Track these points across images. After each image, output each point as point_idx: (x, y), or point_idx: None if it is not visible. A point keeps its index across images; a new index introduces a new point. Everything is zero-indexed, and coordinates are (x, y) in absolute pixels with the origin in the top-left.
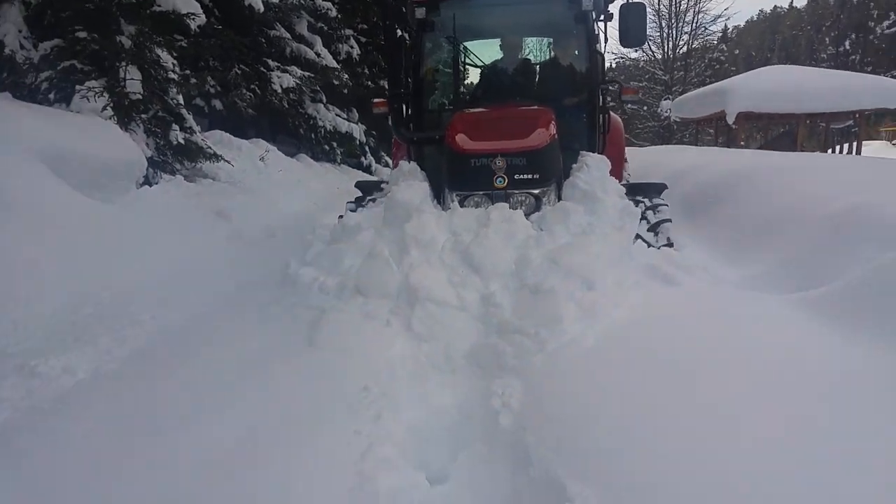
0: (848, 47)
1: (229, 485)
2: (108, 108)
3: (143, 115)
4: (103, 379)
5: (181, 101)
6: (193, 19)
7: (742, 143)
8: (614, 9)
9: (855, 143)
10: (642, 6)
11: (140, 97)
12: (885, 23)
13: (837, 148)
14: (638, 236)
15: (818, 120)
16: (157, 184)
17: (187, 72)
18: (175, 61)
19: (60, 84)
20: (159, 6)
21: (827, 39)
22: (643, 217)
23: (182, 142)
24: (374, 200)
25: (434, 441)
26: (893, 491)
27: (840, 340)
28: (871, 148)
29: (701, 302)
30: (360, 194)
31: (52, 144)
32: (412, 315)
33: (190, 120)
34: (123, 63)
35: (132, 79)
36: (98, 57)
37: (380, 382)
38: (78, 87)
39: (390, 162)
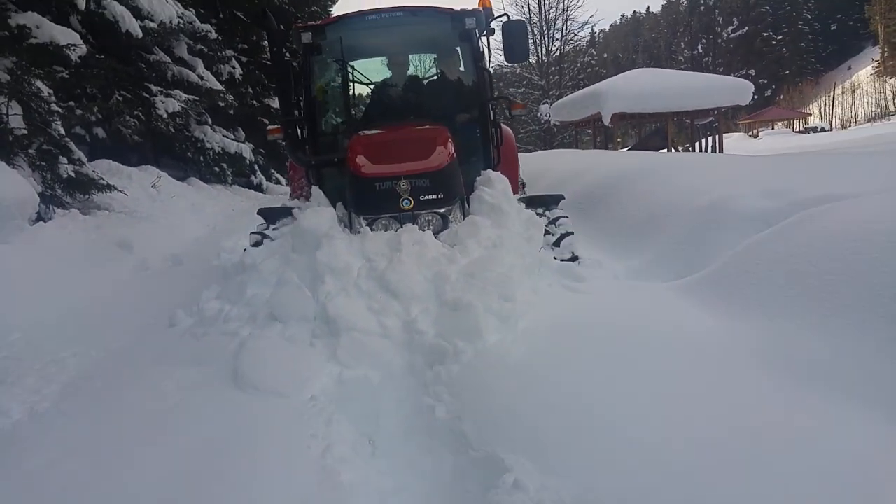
0: (700, 50)
1: (200, 489)
2: None
3: (29, 150)
4: (41, 418)
5: (63, 133)
6: (73, 50)
7: (619, 139)
8: (496, 25)
9: (717, 137)
10: (523, 24)
11: (24, 132)
12: (730, 27)
13: (703, 141)
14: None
15: (684, 117)
16: (51, 219)
17: (71, 103)
18: (52, 92)
19: None
20: (36, 38)
21: (682, 43)
22: (546, 231)
23: (72, 174)
24: (276, 229)
25: (382, 436)
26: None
27: (707, 316)
28: (732, 139)
29: (602, 297)
30: (262, 222)
31: None
32: (337, 345)
33: (77, 151)
34: (2, 96)
35: (14, 114)
36: None
37: (326, 392)
38: None
39: (282, 179)
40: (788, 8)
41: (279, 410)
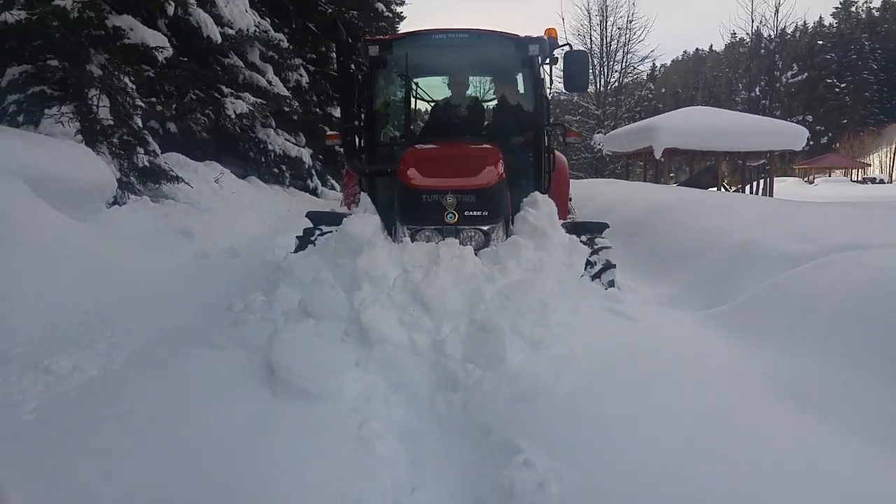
0: (758, 93)
1: (248, 453)
2: (78, 132)
3: (112, 140)
4: (112, 376)
5: (141, 126)
6: (161, 52)
7: (672, 174)
8: (559, 53)
9: (767, 180)
10: (585, 54)
11: (111, 122)
12: (790, 73)
13: (755, 183)
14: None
15: (736, 158)
16: (125, 204)
17: (152, 99)
18: (135, 88)
19: (29, 108)
20: (129, 39)
21: (740, 85)
22: (588, 262)
23: (147, 164)
24: (323, 234)
25: (412, 420)
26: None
27: (728, 345)
28: (785, 184)
29: (638, 325)
30: (310, 225)
31: (33, 166)
32: (369, 355)
33: (153, 143)
34: (94, 90)
35: (103, 106)
36: (66, 83)
37: (368, 370)
38: (47, 111)
39: (336, 185)
40: (854, 57)
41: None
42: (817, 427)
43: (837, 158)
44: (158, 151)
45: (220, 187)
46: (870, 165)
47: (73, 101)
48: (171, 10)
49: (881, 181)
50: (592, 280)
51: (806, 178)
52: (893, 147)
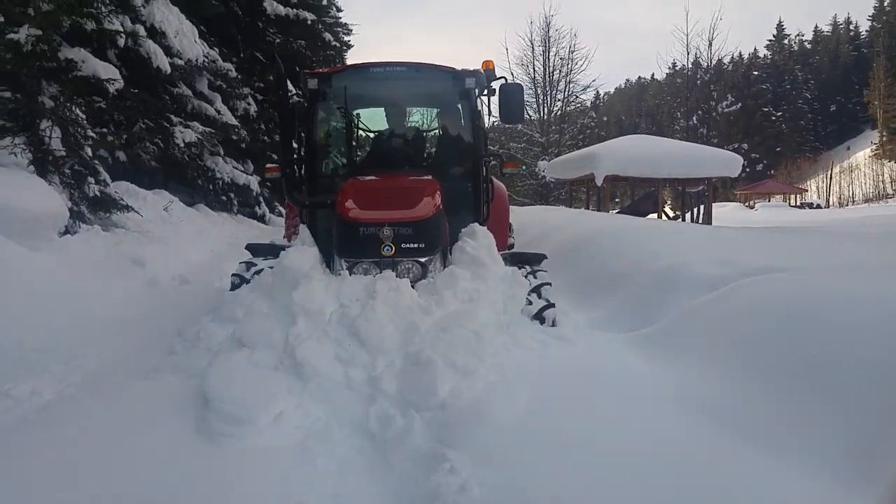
0: (696, 121)
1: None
2: (30, 163)
3: (64, 170)
4: (67, 401)
5: (91, 155)
6: (112, 83)
7: (618, 200)
8: (497, 85)
9: (703, 206)
10: (520, 87)
11: (63, 153)
12: (724, 102)
13: (695, 210)
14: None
15: (675, 184)
16: (76, 233)
17: (104, 129)
18: (84, 118)
19: None
20: (80, 71)
21: (678, 113)
22: (528, 300)
23: (98, 194)
24: (258, 272)
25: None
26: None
27: (647, 364)
28: (727, 209)
29: (568, 350)
30: (249, 258)
31: None
32: (303, 389)
33: (103, 173)
34: (47, 121)
35: (55, 137)
36: (17, 114)
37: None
38: None
39: (283, 212)
40: (788, 87)
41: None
42: (719, 437)
43: (776, 184)
44: (109, 181)
45: (169, 215)
46: (807, 191)
47: (24, 132)
48: (121, 41)
49: (818, 206)
50: (533, 320)
51: (747, 203)
52: (829, 173)
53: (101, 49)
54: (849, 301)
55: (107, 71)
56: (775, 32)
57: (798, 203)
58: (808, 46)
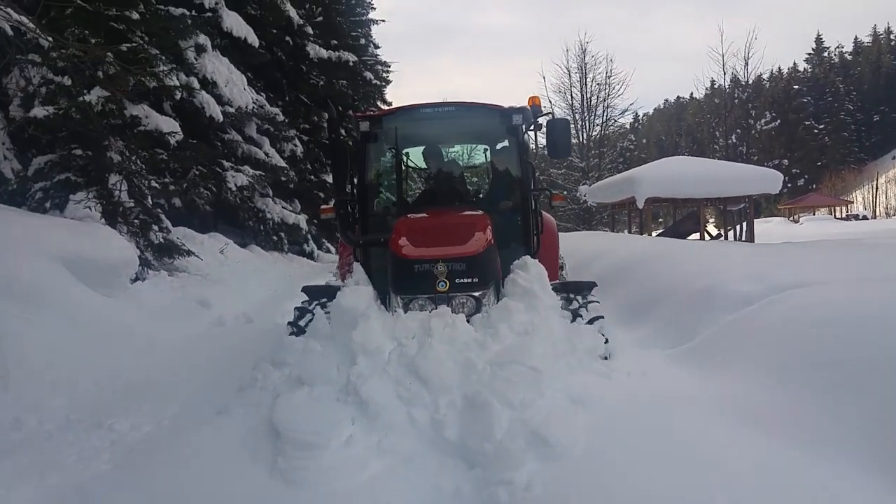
0: (734, 140)
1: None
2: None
3: (131, 219)
4: (165, 432)
5: (152, 205)
6: (173, 136)
7: (661, 220)
8: (543, 120)
9: (746, 223)
10: (566, 122)
11: (132, 204)
12: (763, 120)
13: (738, 227)
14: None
15: (717, 203)
16: (146, 279)
17: (165, 179)
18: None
19: (55, 194)
20: (144, 126)
21: (717, 133)
22: (577, 314)
23: (162, 241)
24: (320, 306)
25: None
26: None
27: (688, 376)
28: (772, 224)
29: (620, 380)
30: (306, 299)
31: (68, 249)
32: (373, 428)
33: (165, 221)
34: (116, 174)
35: (124, 189)
36: (87, 169)
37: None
38: (72, 196)
39: (332, 248)
40: (830, 99)
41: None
42: (765, 439)
43: (820, 197)
44: (171, 228)
45: (225, 258)
46: (852, 202)
47: (94, 185)
48: (178, 95)
49: (864, 217)
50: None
51: (791, 218)
52: (875, 184)
53: (158, 102)
54: (864, 310)
55: (168, 125)
56: (814, 46)
57: (844, 215)
58: (849, 58)
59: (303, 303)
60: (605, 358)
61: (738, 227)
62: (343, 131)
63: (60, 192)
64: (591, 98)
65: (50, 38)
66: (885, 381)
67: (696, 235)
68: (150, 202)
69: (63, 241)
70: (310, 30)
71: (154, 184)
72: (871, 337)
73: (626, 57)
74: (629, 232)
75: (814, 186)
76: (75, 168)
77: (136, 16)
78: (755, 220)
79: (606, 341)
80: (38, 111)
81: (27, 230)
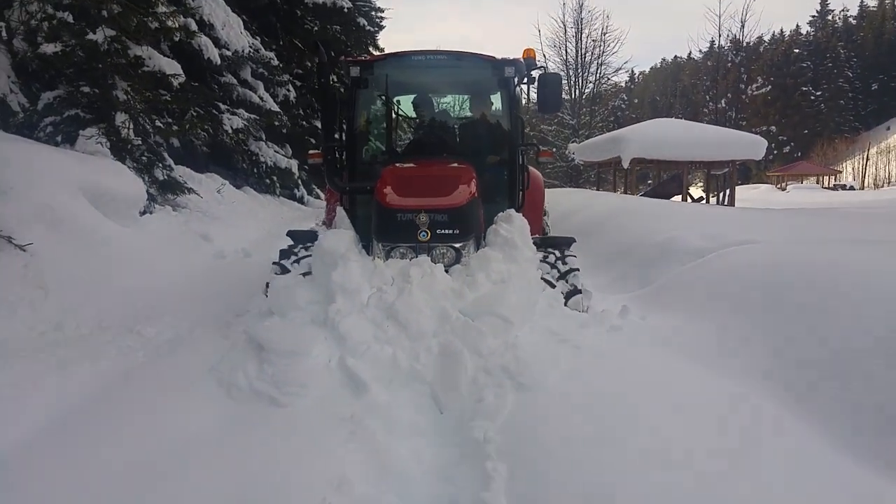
0: (724, 104)
1: None
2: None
3: (138, 157)
4: (184, 337)
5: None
6: (176, 78)
7: (650, 181)
8: (537, 74)
9: (730, 188)
10: (558, 77)
11: (139, 142)
12: (754, 85)
13: (722, 193)
14: (550, 283)
15: (700, 166)
16: (153, 212)
17: (168, 119)
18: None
19: (66, 129)
20: (148, 67)
21: (707, 97)
22: (554, 266)
23: (166, 178)
24: (304, 248)
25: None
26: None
27: (649, 315)
28: (759, 191)
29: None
30: (291, 243)
31: (88, 181)
32: (345, 351)
33: (168, 159)
34: (122, 113)
35: (130, 128)
36: (94, 106)
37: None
38: (81, 132)
39: (321, 194)
40: (830, 65)
41: None
42: (693, 364)
43: (809, 166)
44: (173, 166)
45: (222, 197)
46: (841, 172)
47: (102, 122)
48: (177, 36)
49: (851, 188)
50: (557, 282)
51: (779, 186)
52: (865, 154)
53: (155, 42)
54: (781, 264)
55: (171, 66)
56: (818, 8)
57: (832, 185)
58: (853, 22)
59: (288, 246)
60: (578, 309)
61: (721, 193)
62: (335, 77)
63: (70, 126)
64: (585, 54)
65: None
66: (784, 319)
67: (678, 198)
68: (153, 141)
69: (83, 173)
70: None
71: (159, 123)
72: (780, 285)
73: (626, 13)
74: (616, 191)
75: (798, 155)
76: (83, 105)
77: None
78: (742, 186)
79: (579, 292)
80: (47, 47)
81: (51, 163)
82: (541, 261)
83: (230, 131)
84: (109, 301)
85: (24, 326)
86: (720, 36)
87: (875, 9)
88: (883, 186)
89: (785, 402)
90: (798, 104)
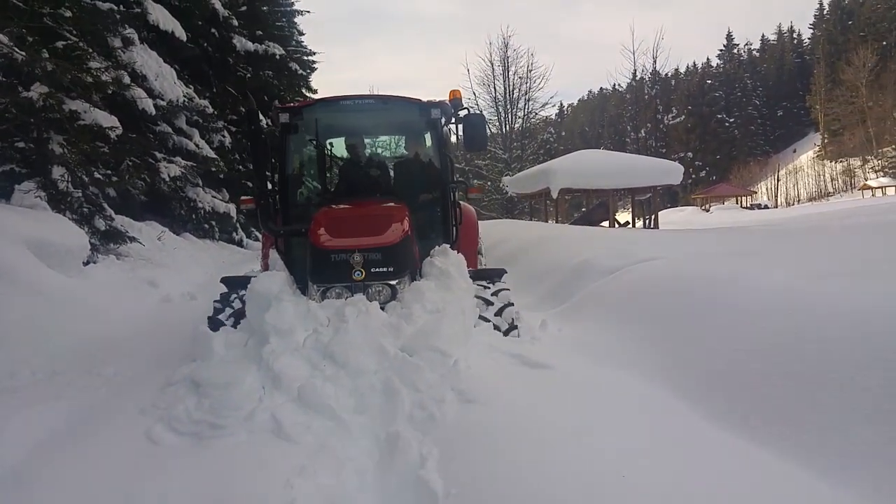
0: (644, 134)
1: None
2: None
3: (82, 209)
4: (138, 378)
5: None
6: (113, 130)
7: (583, 209)
8: (463, 114)
9: (654, 213)
10: (482, 117)
11: (78, 195)
12: (670, 115)
13: (646, 218)
14: (485, 319)
15: (624, 194)
16: (96, 262)
17: (108, 171)
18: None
19: (1, 184)
20: (84, 120)
21: (629, 127)
22: (489, 302)
23: (107, 228)
24: (239, 297)
25: None
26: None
27: (564, 327)
28: (685, 213)
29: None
30: (225, 290)
31: (30, 234)
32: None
33: (109, 210)
34: (59, 166)
35: (68, 181)
36: (30, 161)
37: None
38: (17, 186)
39: (260, 237)
40: (739, 94)
41: None
42: (597, 366)
43: (728, 187)
44: (113, 216)
45: (163, 244)
46: (756, 192)
47: (38, 176)
48: (110, 89)
49: (765, 206)
50: (494, 317)
51: (703, 207)
52: (776, 175)
53: (90, 97)
54: (679, 275)
55: (107, 119)
56: (725, 42)
57: (748, 205)
58: (756, 55)
59: (221, 295)
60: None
61: (647, 217)
62: (268, 122)
63: (4, 181)
64: (513, 91)
65: None
66: (675, 325)
67: (606, 224)
68: (91, 192)
69: (25, 227)
70: (235, 21)
71: (98, 175)
72: (677, 293)
73: (551, 47)
74: (547, 221)
75: (714, 178)
76: (17, 160)
77: (68, 13)
78: (669, 210)
79: (515, 327)
80: None
81: None
82: (475, 296)
83: (167, 179)
84: (61, 349)
85: None
86: (635, 70)
87: (775, 41)
88: (793, 204)
89: (675, 390)
90: (714, 130)
